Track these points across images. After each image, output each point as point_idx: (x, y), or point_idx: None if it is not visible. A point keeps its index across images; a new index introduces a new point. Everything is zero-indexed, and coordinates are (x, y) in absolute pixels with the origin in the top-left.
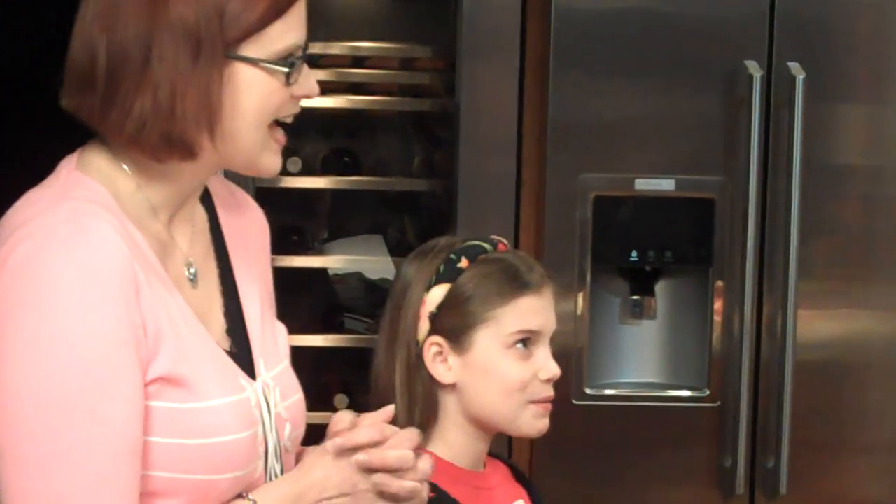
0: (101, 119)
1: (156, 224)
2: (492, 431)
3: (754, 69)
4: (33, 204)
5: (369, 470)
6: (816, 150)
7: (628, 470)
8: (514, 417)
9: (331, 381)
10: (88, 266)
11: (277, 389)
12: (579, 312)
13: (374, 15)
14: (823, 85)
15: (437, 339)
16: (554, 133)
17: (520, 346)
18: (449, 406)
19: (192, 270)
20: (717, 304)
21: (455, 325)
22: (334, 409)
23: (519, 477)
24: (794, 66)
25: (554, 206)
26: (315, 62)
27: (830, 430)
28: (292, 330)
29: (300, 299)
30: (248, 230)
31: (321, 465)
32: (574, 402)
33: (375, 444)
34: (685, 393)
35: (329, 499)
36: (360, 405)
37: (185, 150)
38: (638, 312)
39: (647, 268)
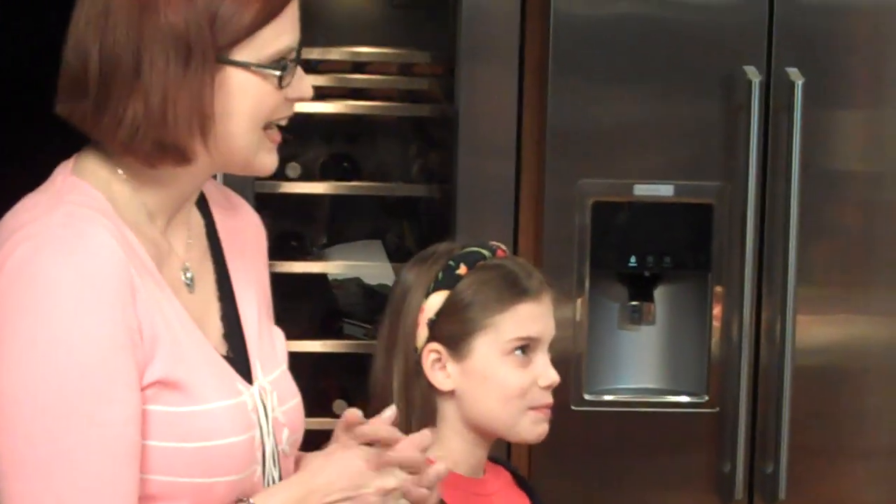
0: (93, 125)
1: (152, 229)
2: (491, 438)
3: (753, 74)
4: (29, 209)
5: (382, 466)
6: (815, 156)
7: (627, 475)
8: (514, 424)
9: (329, 387)
10: (85, 270)
11: (275, 394)
12: (578, 318)
13: (373, 20)
14: (822, 90)
15: (435, 345)
16: (553, 139)
17: (518, 352)
18: (447, 413)
19: (188, 275)
20: (716, 310)
21: (454, 331)
22: (333, 415)
23: (521, 483)
24: (793, 72)
25: (553, 212)
26: (314, 67)
27: (829, 436)
28: (291, 335)
29: (299, 305)
30: (245, 234)
31: (326, 469)
32: (573, 407)
33: (390, 444)
34: (684, 398)
35: (332, 502)
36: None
37: (178, 155)
38: (637, 318)
39: (646, 273)
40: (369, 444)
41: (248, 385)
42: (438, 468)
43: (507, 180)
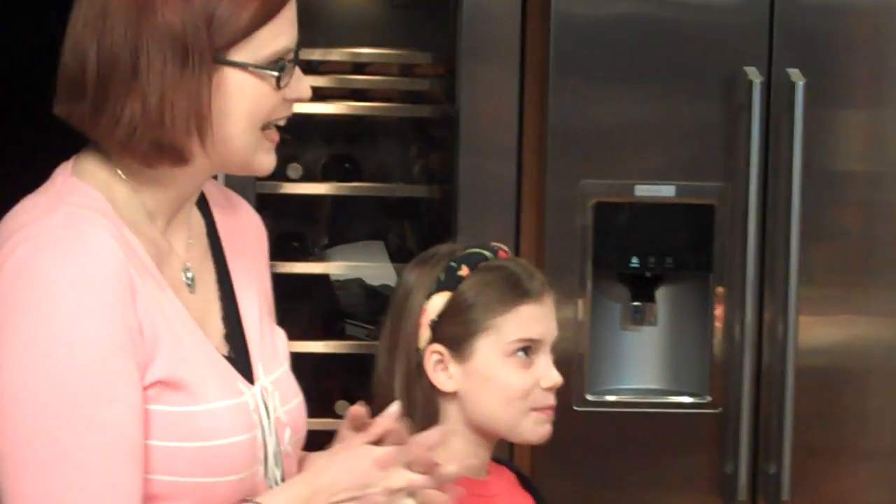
0: (91, 125)
1: (152, 229)
2: (493, 439)
3: (754, 75)
4: (29, 210)
5: (388, 464)
6: (816, 156)
7: (630, 476)
8: (516, 425)
9: (331, 388)
10: (84, 271)
11: (277, 394)
12: (580, 319)
13: (374, 21)
14: (823, 91)
15: (437, 347)
16: (554, 139)
17: (521, 354)
18: (450, 414)
19: (189, 275)
20: (718, 310)
21: (456, 333)
22: (335, 416)
23: (526, 484)
24: (794, 73)
25: (554, 212)
26: (315, 68)
27: (832, 436)
28: (293, 336)
29: (301, 305)
30: (245, 233)
31: (331, 468)
32: (575, 408)
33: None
34: (686, 399)
35: (338, 502)
36: None
37: (175, 156)
38: (639, 318)
39: (648, 274)
40: (376, 443)
41: (250, 385)
42: (450, 470)
43: (508, 181)
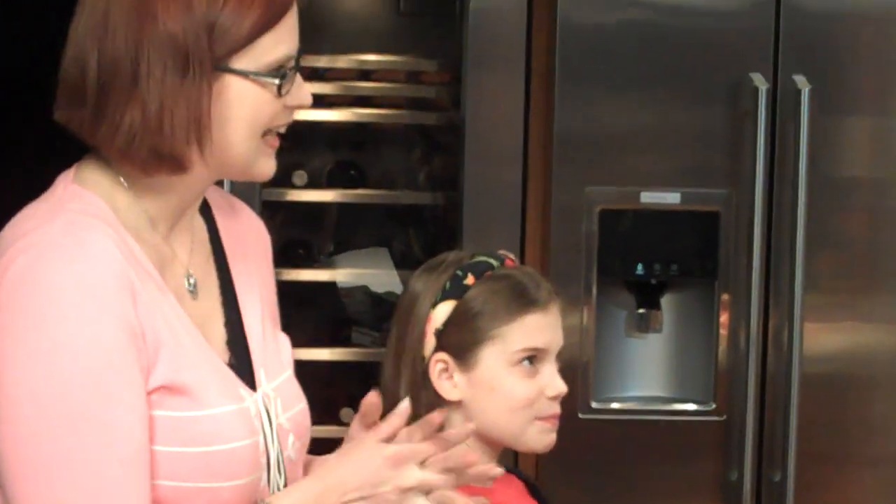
0: (91, 132)
1: (155, 236)
2: (498, 447)
3: (760, 82)
4: (31, 217)
5: (400, 462)
6: (822, 163)
7: (634, 483)
8: (521, 434)
9: (337, 395)
10: (87, 277)
11: (279, 400)
12: (585, 326)
13: (379, 28)
14: (829, 97)
15: (442, 355)
16: (559, 146)
17: (526, 363)
18: (454, 422)
19: (191, 281)
20: (723, 317)
21: (461, 341)
22: (341, 423)
23: (534, 492)
24: (800, 79)
25: (560, 219)
26: (321, 75)
27: (837, 443)
28: (298, 343)
29: (306, 313)
30: (247, 239)
31: (340, 467)
32: (580, 415)
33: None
34: (691, 406)
35: (350, 502)
36: None
37: (174, 164)
38: (644, 326)
39: (653, 281)
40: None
41: (252, 391)
42: (483, 468)
43: (513, 188)
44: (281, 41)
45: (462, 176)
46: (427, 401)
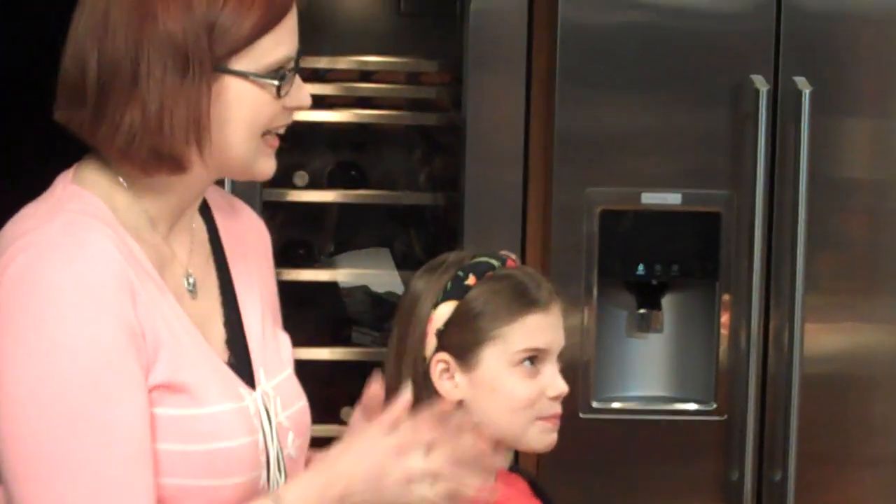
0: (91, 132)
1: (154, 236)
2: (500, 448)
3: (760, 83)
4: (30, 217)
5: (404, 449)
6: (822, 164)
7: (635, 483)
8: (522, 434)
9: (337, 394)
10: (86, 277)
11: (278, 399)
12: (586, 326)
13: (380, 29)
14: (829, 99)
15: (443, 355)
16: (560, 147)
17: (527, 363)
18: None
19: (191, 281)
20: (724, 318)
21: (462, 342)
22: (341, 423)
23: (538, 492)
24: (801, 81)
25: (560, 220)
26: (322, 76)
27: (837, 444)
28: (299, 343)
29: (307, 313)
30: (247, 238)
31: (345, 458)
32: (581, 415)
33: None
34: (692, 406)
35: (355, 493)
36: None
37: (173, 164)
38: (645, 326)
39: (654, 281)
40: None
41: (251, 390)
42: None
43: (514, 188)
44: (281, 42)
45: (463, 176)
46: (428, 401)
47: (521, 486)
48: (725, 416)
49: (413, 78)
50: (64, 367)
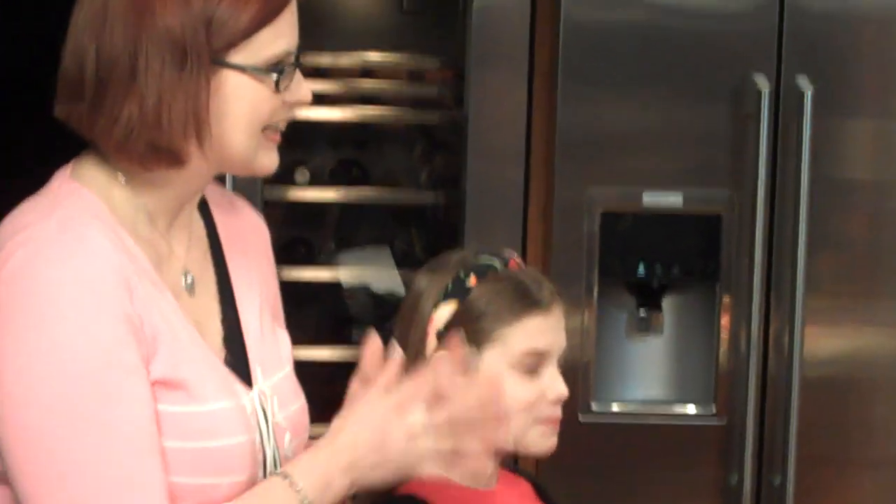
0: (89, 127)
1: (152, 232)
2: (500, 450)
3: (762, 83)
4: (26, 214)
5: (403, 406)
6: (824, 165)
7: (634, 486)
8: (521, 436)
9: (337, 394)
10: (84, 273)
11: (275, 398)
12: (586, 327)
13: (382, 26)
14: (832, 99)
15: None
16: (562, 145)
17: (527, 365)
18: None
19: (189, 278)
20: (724, 320)
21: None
22: None
23: (542, 495)
24: (803, 81)
25: (561, 220)
26: (323, 73)
27: (837, 447)
28: (299, 342)
29: (308, 311)
30: (246, 235)
31: (348, 427)
32: (580, 417)
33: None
34: (691, 409)
35: (361, 459)
36: None
37: (171, 158)
38: (645, 327)
39: (655, 283)
40: None
41: (248, 389)
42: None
43: (516, 187)
44: (280, 36)
45: (464, 175)
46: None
47: (524, 488)
48: (725, 419)
49: (415, 75)
50: (65, 365)
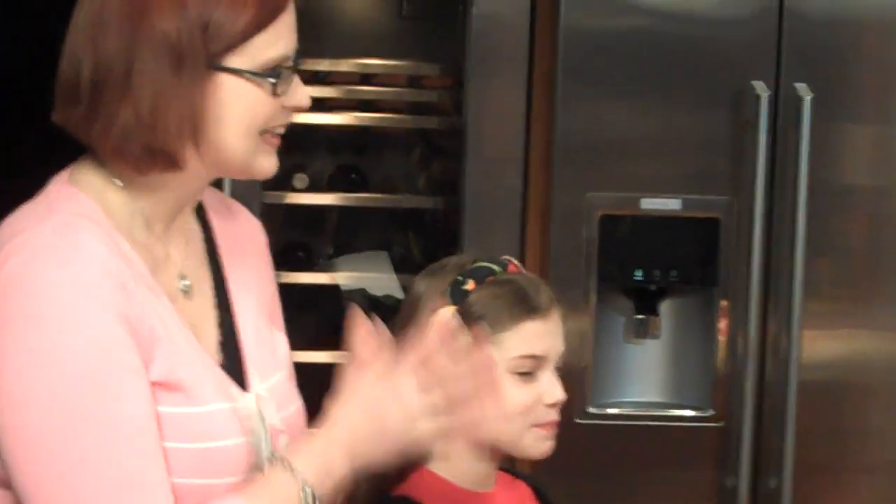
0: (86, 131)
1: (149, 237)
2: (496, 454)
3: (761, 89)
4: (22, 219)
5: (394, 385)
6: (822, 171)
7: (631, 489)
8: (518, 440)
9: None
10: (81, 276)
11: (272, 401)
12: (584, 331)
13: (382, 32)
14: (830, 105)
15: None
16: (561, 151)
17: (524, 370)
18: None
19: (185, 283)
20: (722, 324)
21: None
22: None
23: (542, 499)
24: (801, 87)
25: (560, 225)
26: (322, 79)
27: (834, 451)
28: (298, 346)
29: (306, 315)
30: (243, 239)
31: (344, 411)
32: (577, 420)
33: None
34: (689, 413)
35: (360, 444)
36: None
37: (167, 161)
38: (642, 331)
39: (653, 287)
40: None
41: (243, 392)
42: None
43: (514, 192)
44: (277, 39)
45: (463, 180)
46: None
47: (523, 491)
48: (722, 423)
49: (414, 81)
50: (65, 365)
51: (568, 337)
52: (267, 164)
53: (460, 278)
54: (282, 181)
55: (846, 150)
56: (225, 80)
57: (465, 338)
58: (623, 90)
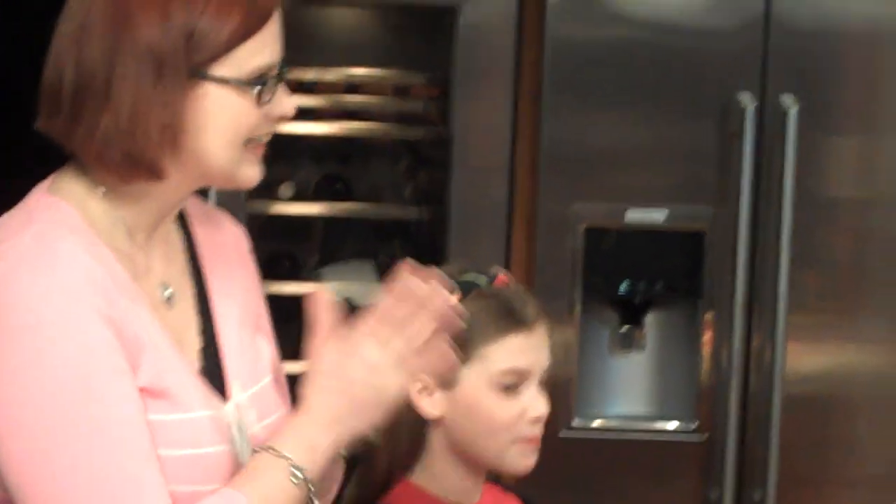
0: (67, 138)
1: (130, 245)
2: (481, 468)
3: (747, 101)
4: (1, 230)
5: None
6: (808, 183)
7: (615, 502)
8: (501, 455)
9: None
10: (64, 283)
11: (253, 410)
12: (568, 342)
13: (368, 42)
14: (816, 117)
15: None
16: (546, 162)
17: (508, 384)
18: (435, 439)
19: (167, 291)
20: (706, 336)
21: None
22: None
23: None
24: (787, 99)
25: (545, 236)
26: (309, 88)
27: (818, 464)
28: (282, 356)
29: (291, 325)
30: (226, 247)
31: (314, 387)
32: (562, 433)
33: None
34: (673, 425)
35: (341, 414)
36: None
37: (148, 170)
38: (627, 343)
39: (638, 299)
40: None
41: (223, 401)
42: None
43: (500, 203)
44: (262, 49)
45: (449, 190)
46: (408, 419)
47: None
48: (706, 436)
49: (400, 91)
50: (56, 371)
51: (553, 349)
52: (251, 174)
53: None
54: (267, 190)
55: (832, 161)
56: (209, 89)
57: (423, 288)
58: (609, 101)
